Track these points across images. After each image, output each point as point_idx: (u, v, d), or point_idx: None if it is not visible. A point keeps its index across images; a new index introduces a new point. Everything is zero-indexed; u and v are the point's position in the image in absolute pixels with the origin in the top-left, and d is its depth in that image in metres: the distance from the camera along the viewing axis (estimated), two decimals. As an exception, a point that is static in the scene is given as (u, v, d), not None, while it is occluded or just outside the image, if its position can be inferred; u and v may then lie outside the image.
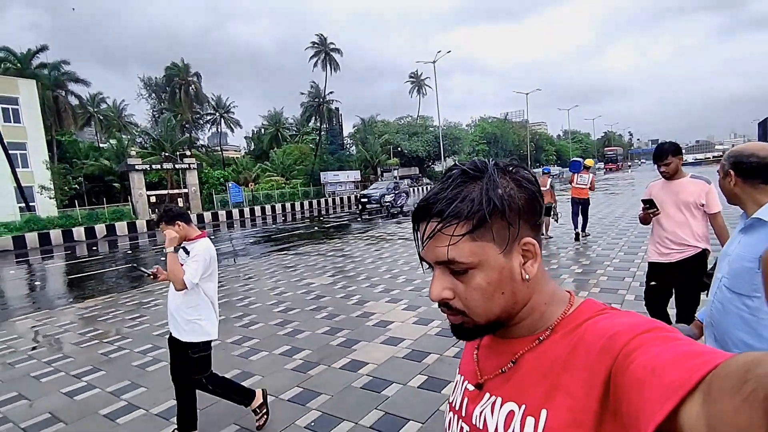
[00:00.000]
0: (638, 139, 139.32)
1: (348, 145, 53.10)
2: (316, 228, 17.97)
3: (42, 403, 3.63)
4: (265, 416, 2.97)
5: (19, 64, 31.59)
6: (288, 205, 33.79)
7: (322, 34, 42.74)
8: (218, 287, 6.35)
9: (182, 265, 2.74)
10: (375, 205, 23.29)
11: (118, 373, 4.08)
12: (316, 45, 43.13)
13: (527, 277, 0.60)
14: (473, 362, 0.70)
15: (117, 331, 5.43)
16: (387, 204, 20.47)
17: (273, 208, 32.52)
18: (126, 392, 3.68)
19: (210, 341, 2.86)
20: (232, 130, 53.08)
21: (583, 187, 9.19)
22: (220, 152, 52.27)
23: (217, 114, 50.09)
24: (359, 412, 3.03)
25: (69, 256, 15.24)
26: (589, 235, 9.48)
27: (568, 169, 10.29)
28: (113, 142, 42.44)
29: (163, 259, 2.80)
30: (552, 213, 9.34)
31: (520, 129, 70.81)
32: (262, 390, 3.04)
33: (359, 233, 13.70)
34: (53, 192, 27.04)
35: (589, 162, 9.65)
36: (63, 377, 4.14)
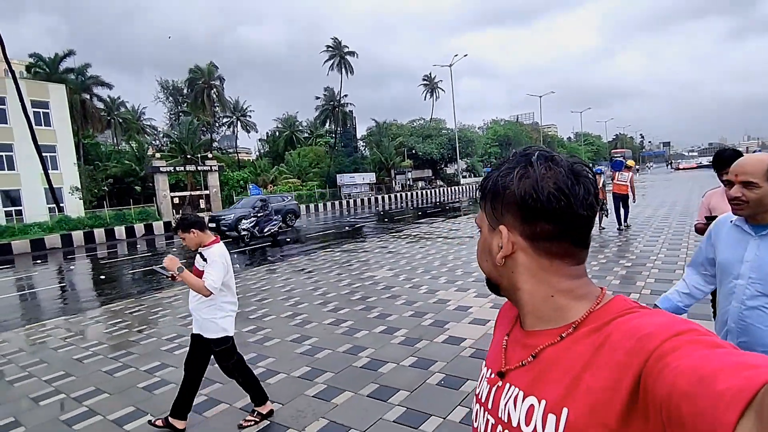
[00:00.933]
0: (650, 142, 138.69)
1: (361, 148, 53.71)
2: (347, 228, 18.48)
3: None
4: (255, 423, 3.12)
5: (47, 69, 32.50)
6: (305, 207, 34.26)
7: (336, 38, 43.42)
8: (314, 280, 6.74)
9: (202, 271, 2.96)
10: (231, 232, 15.97)
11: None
12: (330, 48, 43.78)
13: (496, 260, 0.66)
14: (501, 351, 0.72)
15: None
16: (244, 232, 14.32)
17: (286, 217, 32.94)
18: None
19: (227, 336, 3.06)
20: (248, 133, 53.87)
21: (624, 183, 10.14)
22: (234, 154, 53.21)
23: (234, 117, 51.00)
24: (475, 375, 3.48)
25: (111, 254, 15.86)
26: (630, 226, 10.47)
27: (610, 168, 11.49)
28: (133, 144, 43.43)
29: (183, 261, 3.07)
30: (603, 208, 10.32)
31: (531, 131, 71.05)
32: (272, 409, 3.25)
33: (395, 233, 14.16)
34: (82, 193, 27.84)
35: (630, 162, 10.88)
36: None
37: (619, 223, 10.35)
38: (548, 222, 0.61)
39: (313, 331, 4.95)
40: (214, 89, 41.27)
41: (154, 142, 50.29)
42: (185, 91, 48.16)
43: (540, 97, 50.65)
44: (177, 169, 31.37)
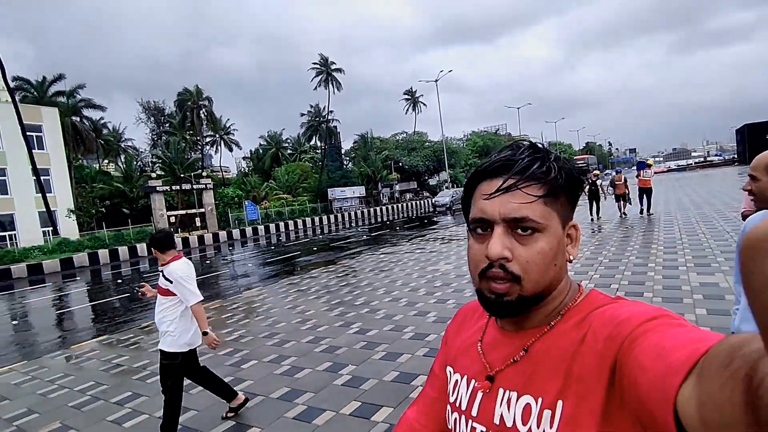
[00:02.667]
0: (617, 149, 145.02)
1: (346, 162, 54.77)
2: (366, 236, 19.33)
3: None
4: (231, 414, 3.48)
5: (35, 93, 32.40)
6: (299, 221, 34.83)
7: (323, 54, 44.66)
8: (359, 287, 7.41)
9: (166, 289, 3.12)
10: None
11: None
12: (317, 65, 44.93)
13: (571, 258, 0.64)
14: (479, 357, 0.69)
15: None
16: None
17: (285, 225, 33.50)
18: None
19: (178, 353, 3.14)
20: (231, 151, 54.09)
21: (647, 179, 13.31)
22: (217, 172, 53.42)
23: (218, 135, 51.32)
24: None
25: (125, 273, 16.23)
26: (653, 214, 13.29)
27: (635, 167, 14.50)
28: (122, 165, 43.22)
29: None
30: (627, 198, 13.77)
31: (509, 141, 73.44)
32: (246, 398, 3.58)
33: (419, 237, 15.13)
34: (77, 215, 27.75)
35: (650, 162, 14.29)
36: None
37: (641, 210, 13.44)
38: (574, 209, 0.64)
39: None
40: (204, 109, 41.68)
41: (137, 162, 49.98)
42: (172, 112, 48.48)
43: (518, 108, 53.01)
44: (173, 188, 31.59)
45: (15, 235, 27.13)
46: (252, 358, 4.85)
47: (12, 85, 33.39)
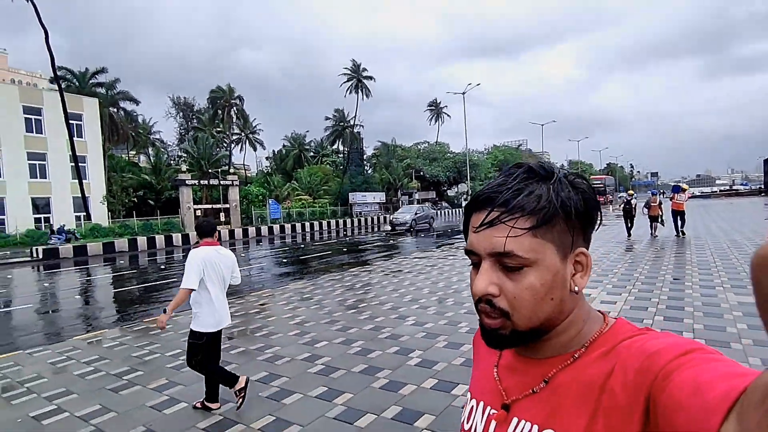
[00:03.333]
0: (638, 171, 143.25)
1: (366, 168, 55.44)
2: (392, 241, 19.71)
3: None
4: (242, 399, 3.53)
5: (78, 83, 33.72)
6: (320, 223, 35.34)
7: (355, 61, 45.47)
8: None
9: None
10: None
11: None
12: (348, 71, 45.75)
13: (576, 289, 0.59)
14: (494, 383, 0.67)
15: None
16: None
17: (303, 226, 33.96)
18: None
19: (204, 333, 3.44)
20: (255, 150, 55.16)
21: (681, 202, 13.82)
22: (241, 170, 54.51)
23: (243, 134, 52.44)
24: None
25: (160, 261, 16.86)
26: (685, 234, 13.92)
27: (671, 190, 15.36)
28: (150, 157, 44.53)
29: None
30: (660, 220, 14.47)
31: (529, 157, 73.53)
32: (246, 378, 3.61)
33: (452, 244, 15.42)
34: (110, 203, 28.78)
35: (685, 186, 14.71)
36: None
37: (677, 231, 13.99)
38: (590, 234, 0.62)
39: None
40: (235, 107, 42.77)
41: (164, 155, 51.30)
42: (201, 108, 49.86)
43: (542, 125, 53.06)
44: (201, 182, 32.47)
45: (50, 218, 28.17)
46: (285, 355, 4.78)
47: (39, 73, 34.96)
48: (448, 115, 58.48)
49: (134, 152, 51.78)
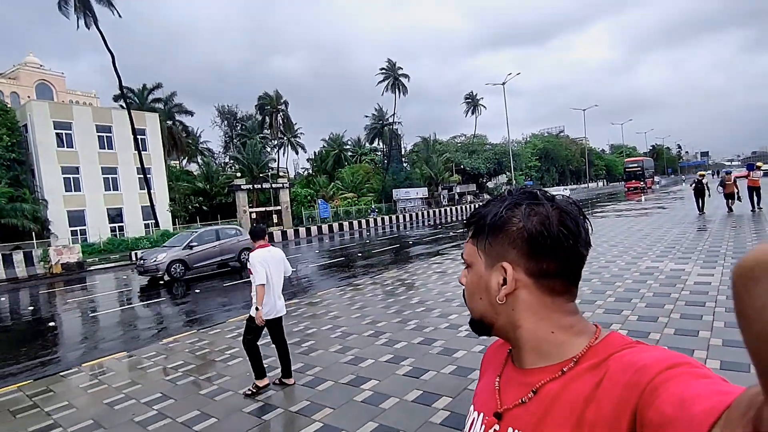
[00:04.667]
0: (686, 152, 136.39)
1: (405, 164, 56.02)
2: (452, 233, 20.33)
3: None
4: (253, 393, 4.05)
5: (137, 99, 36.10)
6: (365, 221, 36.14)
7: (391, 60, 46.11)
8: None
9: (249, 269, 4.12)
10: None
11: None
12: (385, 70, 46.43)
13: (498, 298, 0.65)
14: (494, 393, 0.71)
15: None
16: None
17: (351, 225, 34.79)
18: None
19: (254, 318, 4.08)
20: (297, 153, 56.80)
21: (756, 179, 14.72)
22: (285, 174, 56.43)
23: (285, 138, 54.21)
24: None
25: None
26: (762, 208, 14.57)
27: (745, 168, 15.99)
28: (200, 165, 46.92)
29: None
30: (737, 197, 15.10)
31: (570, 144, 71.83)
32: (270, 382, 4.17)
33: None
34: (174, 210, 30.80)
35: (759, 164, 15.63)
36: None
37: (753, 207, 14.63)
38: (554, 259, 0.63)
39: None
40: (281, 113, 44.39)
41: (213, 163, 53.75)
42: (244, 115, 52.05)
43: (583, 110, 51.81)
44: (255, 187, 34.08)
45: (123, 226, 30.47)
46: (320, 347, 5.24)
47: (117, 93, 37.59)
48: (485, 107, 58.09)
49: (185, 161, 54.78)
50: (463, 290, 0.72)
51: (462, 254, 0.72)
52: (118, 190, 30.81)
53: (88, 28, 23.50)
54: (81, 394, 4.60)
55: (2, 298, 12.70)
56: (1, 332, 8.69)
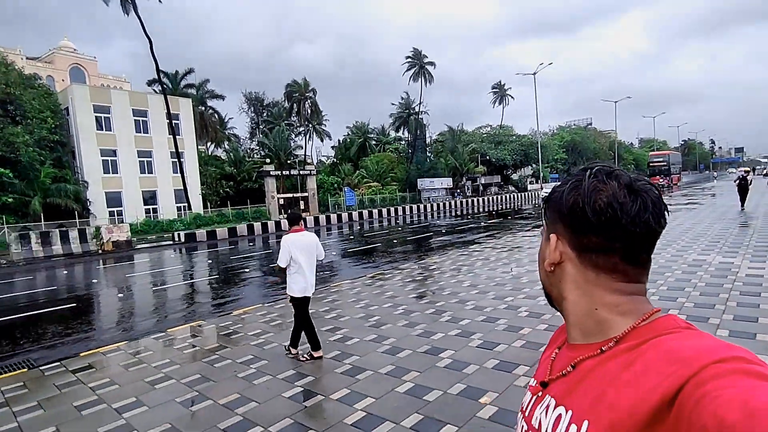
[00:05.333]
0: (720, 147, 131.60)
1: (429, 154, 55.85)
2: (508, 218, 20.42)
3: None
4: (301, 359, 4.49)
5: (171, 85, 36.92)
6: (391, 209, 36.25)
7: (416, 48, 45.82)
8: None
9: None
10: None
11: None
12: (410, 59, 46.19)
13: (545, 265, 0.69)
14: (548, 364, 0.74)
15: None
16: None
17: (377, 213, 34.92)
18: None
19: (293, 297, 4.49)
20: (322, 141, 57.27)
21: None
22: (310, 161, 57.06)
23: (311, 125, 54.66)
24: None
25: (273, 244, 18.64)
26: None
27: None
28: (227, 150, 47.86)
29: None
30: None
31: (599, 136, 70.30)
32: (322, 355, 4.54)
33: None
34: (206, 194, 31.63)
35: None
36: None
37: None
38: (596, 235, 0.62)
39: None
40: (309, 100, 44.78)
41: (240, 148, 54.68)
42: (270, 102, 52.66)
43: (615, 102, 50.58)
44: (284, 173, 34.65)
45: (157, 208, 31.47)
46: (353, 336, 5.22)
47: (152, 77, 38.55)
48: (512, 97, 57.24)
49: (213, 146, 55.92)
50: None
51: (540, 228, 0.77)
52: (152, 173, 31.75)
53: (127, 15, 24.13)
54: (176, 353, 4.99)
55: (81, 271, 13.45)
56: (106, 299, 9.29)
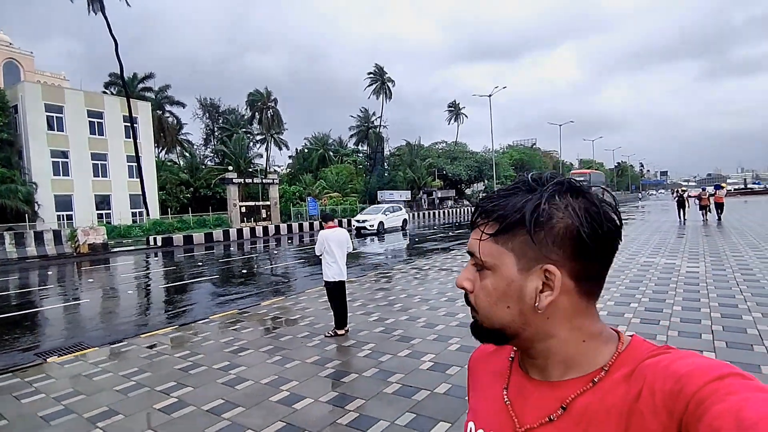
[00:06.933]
0: (648, 170, 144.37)
1: (388, 167, 57.31)
2: (456, 230, 21.53)
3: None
4: (332, 336, 5.14)
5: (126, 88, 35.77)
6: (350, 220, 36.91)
7: (378, 64, 47.37)
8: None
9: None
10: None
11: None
12: (372, 75, 47.59)
13: (537, 306, 0.56)
14: (505, 408, 0.62)
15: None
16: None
17: (339, 223, 35.60)
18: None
19: (328, 281, 5.20)
20: (280, 149, 57.06)
21: (721, 196, 18.77)
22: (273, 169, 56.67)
23: (270, 135, 54.43)
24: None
25: (252, 250, 18.74)
26: (721, 221, 17.64)
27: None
28: (177, 156, 46.62)
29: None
30: (708, 209, 19.08)
31: (544, 156, 75.04)
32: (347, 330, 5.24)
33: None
34: (166, 199, 30.74)
35: (724, 185, 19.05)
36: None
37: (718, 218, 18.12)
38: (599, 260, 0.56)
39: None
40: (271, 109, 44.77)
41: (197, 155, 53.28)
42: (226, 109, 51.93)
43: (560, 125, 54.67)
44: (247, 181, 34.41)
45: (110, 213, 30.18)
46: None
47: (108, 80, 37.11)
48: (466, 116, 60.23)
49: (164, 152, 54.06)
50: (467, 296, 0.62)
51: (473, 253, 0.60)
52: (107, 176, 30.51)
53: (95, 14, 23.52)
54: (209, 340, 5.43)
55: (67, 274, 12.95)
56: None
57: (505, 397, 0.63)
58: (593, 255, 0.55)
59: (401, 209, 26.54)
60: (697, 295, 6.02)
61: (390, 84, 47.81)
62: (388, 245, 17.47)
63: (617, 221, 0.57)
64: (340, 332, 5.24)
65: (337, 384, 3.83)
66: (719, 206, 18.61)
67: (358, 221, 23.37)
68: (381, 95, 47.87)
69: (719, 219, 18.12)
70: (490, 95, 39.45)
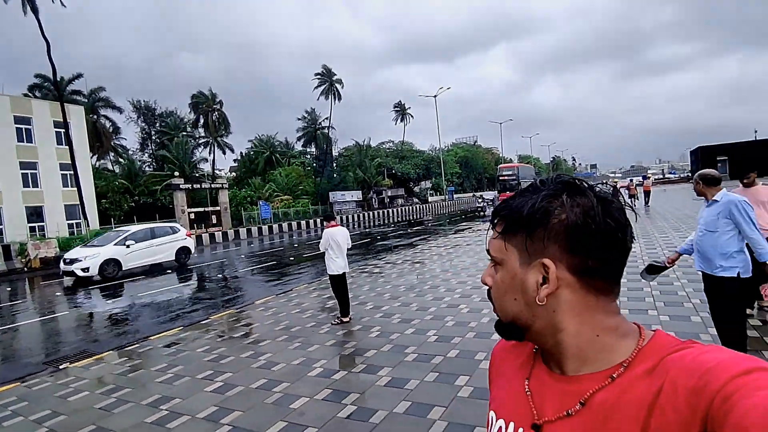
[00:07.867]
0: (580, 164, 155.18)
1: (338, 167, 57.56)
2: (422, 225, 22.25)
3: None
4: (339, 323, 5.68)
5: (54, 91, 33.37)
6: (307, 222, 37.01)
7: (326, 65, 47.47)
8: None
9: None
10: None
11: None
12: (320, 76, 47.63)
13: (537, 298, 0.59)
14: (526, 400, 0.64)
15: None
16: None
17: (290, 226, 35.44)
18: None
19: (331, 274, 5.72)
20: (225, 153, 55.50)
21: (648, 185, 21.68)
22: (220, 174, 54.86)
23: (211, 138, 52.75)
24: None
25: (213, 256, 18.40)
26: (649, 207, 19.18)
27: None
28: (126, 163, 44.07)
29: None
30: (636, 197, 21.47)
31: (486, 154, 78.58)
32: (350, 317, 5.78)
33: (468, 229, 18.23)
34: (108, 208, 29.06)
35: (649, 175, 21.87)
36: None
37: (646, 204, 20.34)
38: (599, 255, 0.57)
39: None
40: (216, 112, 43.47)
41: (138, 161, 50.50)
42: (163, 112, 49.64)
43: (500, 123, 57.69)
44: (195, 186, 33.33)
45: (44, 225, 28.09)
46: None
47: (33, 82, 34.32)
48: (412, 116, 61.82)
49: (95, 159, 50.63)
50: (488, 290, 0.67)
51: (488, 250, 0.66)
52: (38, 186, 28.32)
53: (25, 14, 21.94)
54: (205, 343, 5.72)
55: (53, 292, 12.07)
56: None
57: (527, 387, 0.65)
58: (590, 250, 0.57)
59: (174, 231, 15.49)
60: (637, 275, 7.13)
61: (338, 85, 48.04)
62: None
63: (620, 219, 0.58)
64: (345, 319, 5.76)
65: (361, 359, 4.37)
66: (647, 194, 21.27)
67: (65, 260, 13.03)
68: (330, 96, 47.96)
69: (647, 205, 20.43)
70: (435, 96, 41.05)
